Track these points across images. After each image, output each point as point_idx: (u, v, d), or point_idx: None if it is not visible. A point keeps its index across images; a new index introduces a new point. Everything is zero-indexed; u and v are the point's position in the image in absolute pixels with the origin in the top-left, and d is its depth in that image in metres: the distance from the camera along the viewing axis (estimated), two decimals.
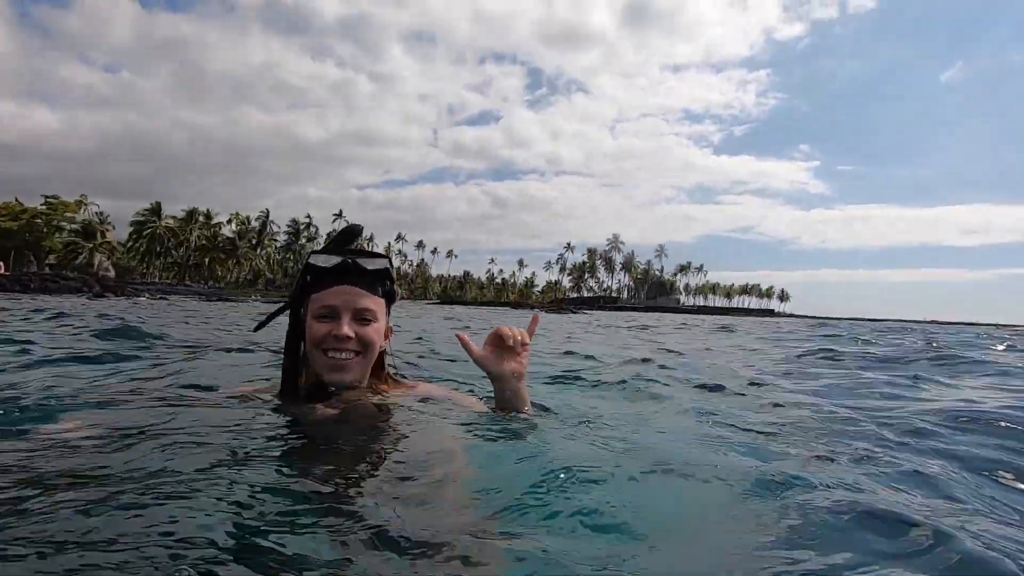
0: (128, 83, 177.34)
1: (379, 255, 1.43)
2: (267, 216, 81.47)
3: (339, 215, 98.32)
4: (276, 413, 1.40)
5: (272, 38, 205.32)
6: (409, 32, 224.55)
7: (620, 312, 60.36)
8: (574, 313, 36.37)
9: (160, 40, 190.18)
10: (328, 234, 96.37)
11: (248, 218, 79.70)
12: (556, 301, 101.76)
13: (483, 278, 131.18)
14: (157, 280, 61.23)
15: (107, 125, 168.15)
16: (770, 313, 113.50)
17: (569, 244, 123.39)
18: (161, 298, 26.97)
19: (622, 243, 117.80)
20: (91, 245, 59.04)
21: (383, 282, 1.43)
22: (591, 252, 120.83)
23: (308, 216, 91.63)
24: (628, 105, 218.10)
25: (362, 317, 1.37)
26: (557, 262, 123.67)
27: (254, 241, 78.26)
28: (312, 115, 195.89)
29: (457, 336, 1.51)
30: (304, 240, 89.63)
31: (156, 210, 69.92)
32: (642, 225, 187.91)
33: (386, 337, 1.47)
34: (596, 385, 2.80)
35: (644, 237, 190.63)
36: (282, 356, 1.46)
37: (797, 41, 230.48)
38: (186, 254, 71.35)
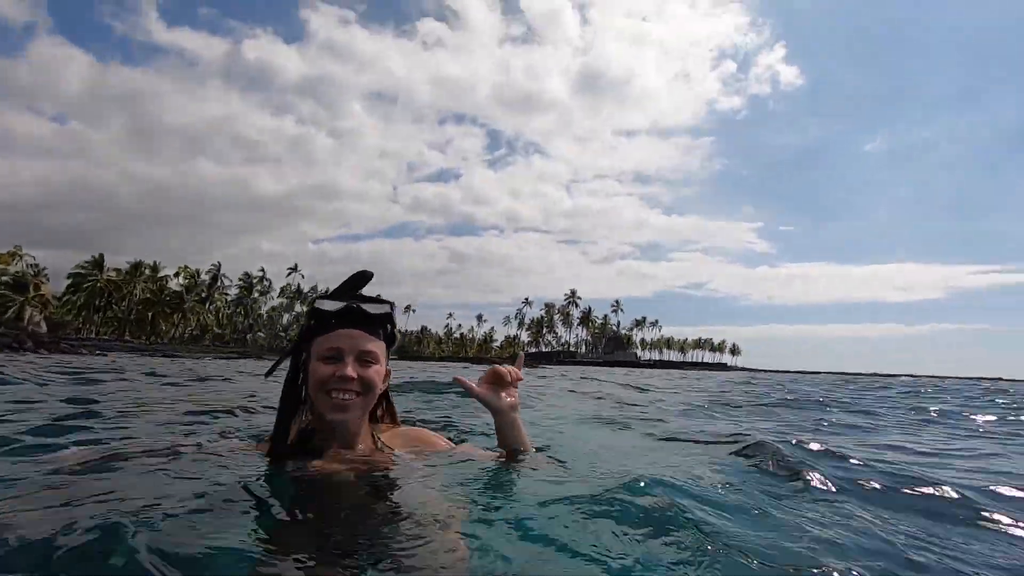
0: (77, 134, 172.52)
1: (382, 301, 1.50)
2: (218, 269, 79.01)
3: (294, 269, 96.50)
4: (268, 468, 1.40)
5: (232, 93, 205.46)
6: (370, 92, 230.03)
7: (579, 367, 60.48)
8: (534, 367, 36.24)
9: (114, 92, 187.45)
10: (281, 288, 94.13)
11: (198, 271, 76.94)
12: (511, 356, 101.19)
13: (441, 333, 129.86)
14: (94, 336, 57.67)
15: (52, 175, 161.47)
16: (723, 367, 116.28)
17: (527, 299, 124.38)
18: (99, 354, 25.44)
19: (579, 298, 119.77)
20: (23, 298, 55.43)
21: (384, 326, 1.51)
22: (549, 307, 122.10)
23: (262, 269, 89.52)
24: (583, 166, 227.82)
25: (365, 359, 1.43)
26: (516, 317, 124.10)
27: (203, 295, 75.39)
28: (269, 169, 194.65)
29: (456, 379, 1.63)
30: (256, 294, 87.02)
31: (99, 263, 66.71)
32: (598, 281, 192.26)
33: (384, 379, 1.53)
34: None
35: (600, 292, 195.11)
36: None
37: (736, 112, 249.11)
38: (128, 308, 67.84)
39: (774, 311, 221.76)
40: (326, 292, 1.52)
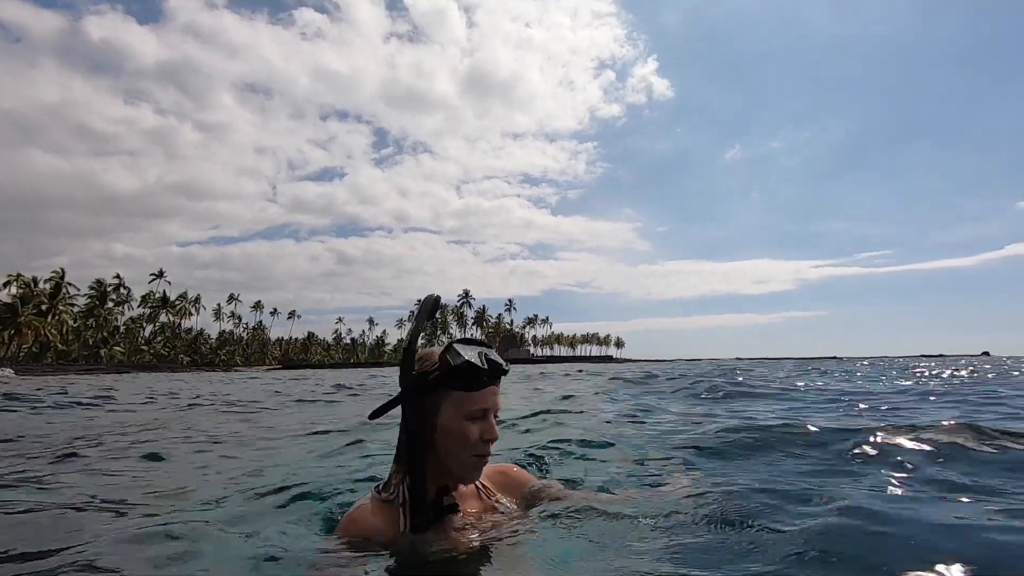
0: None
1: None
2: (61, 277, 68.87)
3: (159, 275, 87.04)
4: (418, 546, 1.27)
5: (73, 76, 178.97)
6: (242, 82, 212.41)
7: None
8: None
9: None
10: (143, 297, 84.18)
11: (35, 279, 66.59)
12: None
13: (329, 339, 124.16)
14: None
15: None
16: (609, 359, 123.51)
17: (420, 301, 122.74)
18: None
19: (473, 298, 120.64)
20: None
21: None
22: (443, 308, 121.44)
23: (117, 276, 79.60)
24: (472, 167, 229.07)
25: (496, 414, 1.38)
26: (409, 319, 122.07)
27: (44, 307, 65.32)
28: (123, 163, 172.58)
29: None
30: (111, 304, 77.18)
31: None
32: (490, 280, 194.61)
33: None
34: None
35: (492, 292, 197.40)
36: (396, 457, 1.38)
37: (616, 120, 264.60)
38: None
39: (652, 305, 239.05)
40: (455, 338, 1.42)
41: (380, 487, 1.37)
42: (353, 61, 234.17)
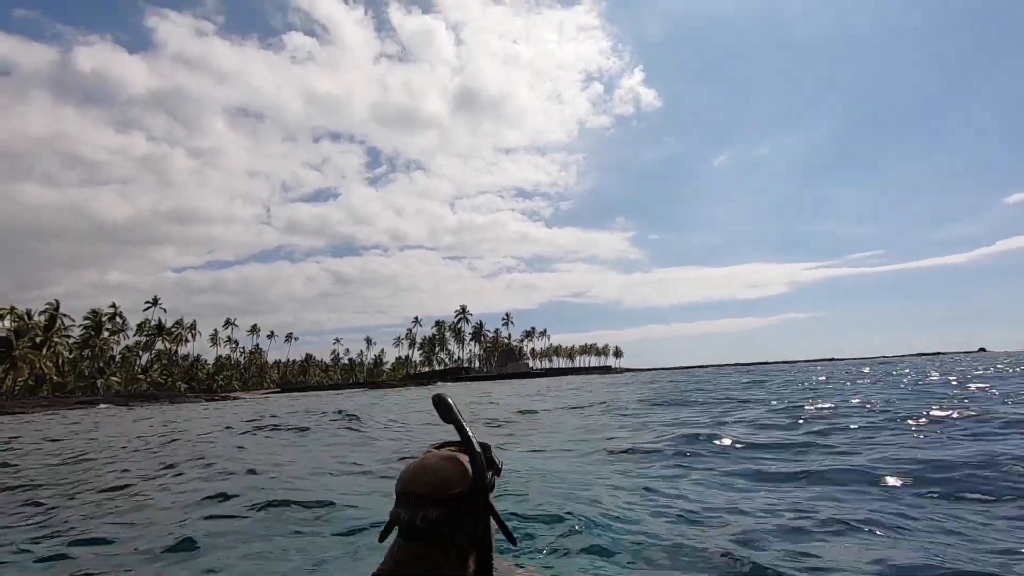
0: None
1: None
2: (56, 308, 68.64)
3: (154, 302, 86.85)
4: None
5: (64, 107, 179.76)
6: (234, 108, 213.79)
7: (475, 383, 60.65)
8: (430, 386, 36.02)
9: None
10: (139, 325, 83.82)
11: (29, 312, 66.31)
12: (406, 376, 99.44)
13: (327, 360, 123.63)
14: None
15: None
16: (608, 370, 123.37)
17: (417, 318, 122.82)
18: None
19: (470, 314, 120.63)
20: None
21: None
22: (440, 324, 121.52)
23: (113, 305, 79.34)
24: (466, 183, 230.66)
25: None
26: (406, 337, 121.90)
27: (39, 339, 65.02)
28: (115, 191, 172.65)
29: None
30: (107, 333, 76.86)
31: None
32: (487, 295, 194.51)
33: None
34: None
35: (490, 306, 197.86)
36: None
37: (605, 131, 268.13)
38: None
39: (648, 313, 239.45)
40: (477, 440, 1.12)
41: None
42: (344, 83, 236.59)
